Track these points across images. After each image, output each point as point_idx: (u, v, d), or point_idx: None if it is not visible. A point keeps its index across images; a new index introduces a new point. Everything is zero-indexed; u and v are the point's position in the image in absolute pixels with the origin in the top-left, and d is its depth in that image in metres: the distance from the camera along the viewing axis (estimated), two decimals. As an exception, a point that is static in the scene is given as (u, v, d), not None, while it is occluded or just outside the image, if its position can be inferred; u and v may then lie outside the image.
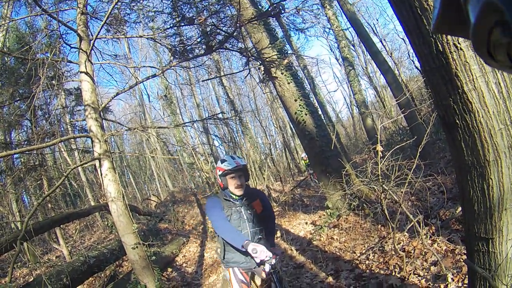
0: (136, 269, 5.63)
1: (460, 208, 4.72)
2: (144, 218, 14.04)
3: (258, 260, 2.89)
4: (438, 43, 1.96)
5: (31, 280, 6.22)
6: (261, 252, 2.83)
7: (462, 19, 0.46)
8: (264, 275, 3.05)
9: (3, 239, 6.24)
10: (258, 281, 3.36)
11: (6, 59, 9.56)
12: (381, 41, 15.43)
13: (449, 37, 1.92)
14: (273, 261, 3.00)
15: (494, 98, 1.93)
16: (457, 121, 2.03)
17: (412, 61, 15.91)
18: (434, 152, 9.08)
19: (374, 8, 44.68)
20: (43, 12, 5.47)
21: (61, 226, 9.24)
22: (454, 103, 2.01)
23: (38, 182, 9.76)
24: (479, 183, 2.09)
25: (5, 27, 10.15)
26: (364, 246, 5.71)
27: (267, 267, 2.95)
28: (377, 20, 36.44)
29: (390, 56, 15.02)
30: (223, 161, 3.28)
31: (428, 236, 4.64)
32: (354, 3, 14.37)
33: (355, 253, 5.64)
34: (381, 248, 5.18)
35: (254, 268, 3.21)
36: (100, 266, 7.55)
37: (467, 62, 1.91)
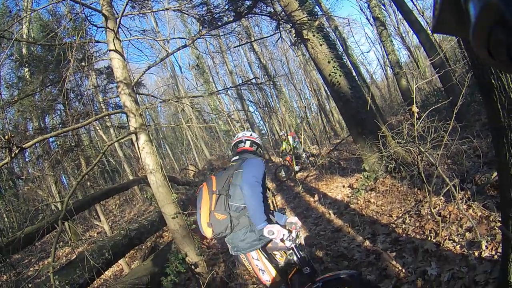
0: (177, 239, 5.72)
1: (495, 174, 4.59)
2: (183, 188, 14.15)
3: (278, 241, 2.76)
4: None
5: (73, 258, 6.46)
6: (278, 232, 2.70)
7: (462, 19, 0.47)
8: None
9: (44, 221, 6.48)
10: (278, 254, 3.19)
11: (32, 48, 9.73)
12: (411, 0, 14.52)
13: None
14: (294, 233, 2.87)
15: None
16: (493, 81, 1.88)
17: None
18: (469, 115, 8.74)
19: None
20: (64, -2, 5.44)
21: (101, 202, 9.59)
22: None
23: (76, 163, 10.03)
24: (515, 146, 1.95)
25: (27, 19, 10.29)
26: (401, 210, 5.62)
27: (287, 243, 2.81)
28: (405, -24, 34.03)
29: (422, 15, 13.96)
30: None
31: (464, 201, 4.47)
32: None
33: (391, 216, 5.58)
34: (417, 212, 5.08)
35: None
36: (141, 238, 7.74)
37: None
